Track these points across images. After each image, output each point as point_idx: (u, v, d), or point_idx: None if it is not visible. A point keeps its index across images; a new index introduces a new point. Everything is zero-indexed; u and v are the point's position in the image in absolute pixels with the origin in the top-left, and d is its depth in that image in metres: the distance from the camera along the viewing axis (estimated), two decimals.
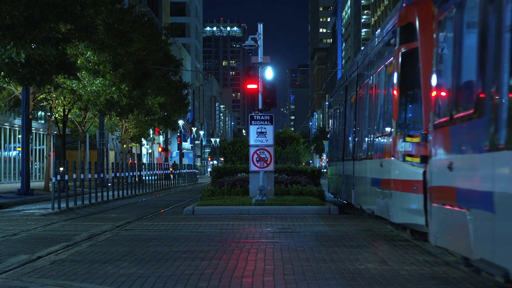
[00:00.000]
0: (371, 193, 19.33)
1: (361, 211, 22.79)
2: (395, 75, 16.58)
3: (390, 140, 16.74)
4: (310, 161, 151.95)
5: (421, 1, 15.85)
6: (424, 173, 14.04)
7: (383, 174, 17.41)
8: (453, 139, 10.60)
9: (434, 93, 11.77)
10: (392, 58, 17.00)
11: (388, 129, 17.10)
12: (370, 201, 19.55)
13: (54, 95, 42.73)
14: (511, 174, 7.89)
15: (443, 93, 11.37)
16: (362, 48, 25.61)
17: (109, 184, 37.72)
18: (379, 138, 18.30)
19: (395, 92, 16.54)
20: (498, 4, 8.58)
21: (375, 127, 19.11)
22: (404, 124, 16.14)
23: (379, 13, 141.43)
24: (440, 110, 11.33)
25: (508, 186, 7.88)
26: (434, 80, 11.88)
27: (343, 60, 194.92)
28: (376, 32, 20.45)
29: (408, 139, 15.10)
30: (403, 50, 16.36)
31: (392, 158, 16.41)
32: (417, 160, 14.56)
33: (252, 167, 26.67)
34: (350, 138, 24.82)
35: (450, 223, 10.42)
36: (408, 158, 14.90)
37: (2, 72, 31.86)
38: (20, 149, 46.27)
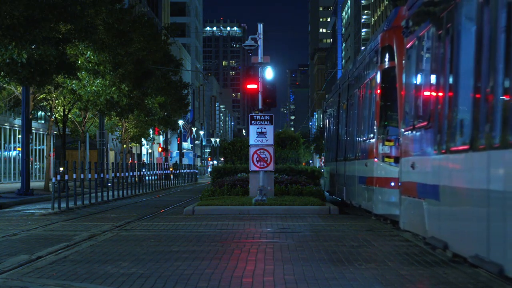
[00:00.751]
0: (359, 189, 22.28)
1: (351, 206, 25.35)
2: (377, 88, 19.66)
3: (373, 144, 19.67)
4: (310, 161, 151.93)
5: (398, 27, 17.65)
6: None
7: (368, 173, 20.37)
8: (415, 144, 13.77)
9: (403, 106, 14.97)
10: (374, 73, 20.10)
11: (371, 135, 20.14)
12: (358, 196, 22.45)
13: (54, 95, 42.72)
14: (450, 171, 11.14)
15: (408, 106, 14.43)
16: (355, 59, 29.34)
17: (109, 184, 37.71)
18: (365, 142, 21.17)
19: (377, 103, 19.60)
20: (443, 43, 11.79)
21: (362, 132, 21.93)
22: (384, 131, 19.14)
23: (379, 13, 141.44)
24: (407, 120, 14.51)
25: (448, 180, 11.17)
26: (402, 96, 15.08)
27: (343, 60, 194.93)
28: (364, 48, 24.04)
29: (386, 143, 18.52)
30: (383, 68, 19.39)
31: (375, 159, 19.36)
32: (392, 160, 18.10)
33: (252, 167, 26.67)
34: (342, 141, 27.77)
35: (413, 210, 13.85)
36: (386, 159, 18.41)
37: (2, 72, 31.85)
38: (20, 149, 46.27)
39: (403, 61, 15.23)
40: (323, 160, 44.74)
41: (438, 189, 11.78)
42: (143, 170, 49.12)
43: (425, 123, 12.72)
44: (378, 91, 19.61)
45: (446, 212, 11.37)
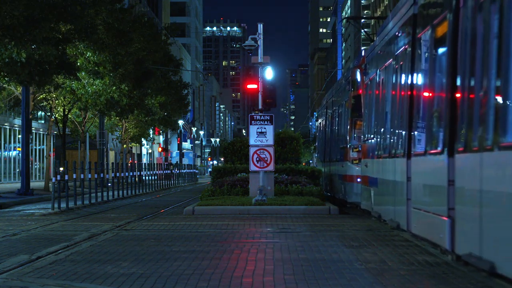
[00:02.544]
0: (338, 185, 28.94)
1: (333, 198, 30.56)
2: (349, 109, 26.36)
3: (346, 150, 26.47)
4: (310, 161, 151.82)
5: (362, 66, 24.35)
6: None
7: (343, 172, 27.21)
8: (367, 152, 20.86)
9: (363, 124, 22.69)
10: (347, 98, 26.94)
11: (345, 144, 26.90)
12: (338, 190, 29.00)
13: (54, 95, 42.72)
14: (382, 169, 18.14)
15: (365, 125, 21.81)
16: (337, 81, 37.63)
17: (109, 184, 37.71)
18: (341, 149, 27.84)
19: (348, 120, 26.33)
20: (380, 88, 18.81)
21: (339, 141, 28.78)
22: (353, 141, 25.86)
23: (379, 13, 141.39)
24: (364, 134, 21.93)
25: (382, 175, 18.12)
26: (363, 117, 22.79)
27: (343, 60, 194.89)
28: (340, 78, 32.23)
29: (354, 150, 25.49)
30: (352, 95, 26.16)
31: (348, 162, 26.06)
32: (357, 162, 24.94)
33: (252, 167, 26.67)
34: (327, 147, 34.25)
35: (366, 195, 21.21)
36: (354, 161, 25.37)
37: (2, 72, 31.85)
38: (20, 149, 46.26)
39: (363, 93, 22.54)
40: (315, 161, 49.15)
41: (377, 181, 18.99)
42: (142, 171, 49.10)
43: (371, 138, 20.15)
44: (349, 111, 26.30)
45: (380, 194, 18.79)
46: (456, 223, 11.18)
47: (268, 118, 26.98)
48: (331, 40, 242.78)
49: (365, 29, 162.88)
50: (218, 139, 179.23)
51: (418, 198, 14.05)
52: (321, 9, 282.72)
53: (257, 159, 26.64)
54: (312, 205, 24.71)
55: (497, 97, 9.00)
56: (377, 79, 19.23)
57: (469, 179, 10.36)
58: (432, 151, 12.68)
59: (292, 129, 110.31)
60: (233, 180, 28.92)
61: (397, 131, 16.23)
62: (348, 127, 26.10)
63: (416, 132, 14.28)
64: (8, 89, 42.15)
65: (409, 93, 14.99)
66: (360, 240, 16.05)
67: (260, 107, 27.05)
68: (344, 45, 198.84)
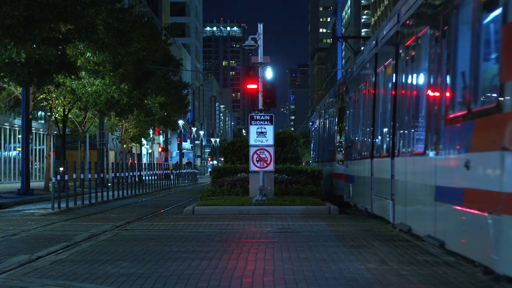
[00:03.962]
0: (329, 181, 32.98)
1: (325, 192, 32.30)
2: (337, 118, 31.09)
3: (334, 152, 31.19)
4: (310, 161, 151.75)
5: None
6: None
7: (332, 171, 31.58)
8: (348, 154, 25.10)
9: (345, 132, 27.25)
10: (334, 109, 31.90)
11: (333, 147, 31.69)
12: (328, 186, 32.79)
13: (54, 95, 42.71)
14: (356, 168, 22.70)
15: (346, 133, 26.51)
16: (327, 93, 42.21)
17: (109, 184, 37.71)
18: (331, 151, 32.64)
19: (336, 127, 31.11)
20: (355, 107, 23.93)
21: (329, 144, 33.70)
22: (339, 144, 30.17)
23: (379, 13, 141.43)
24: (346, 141, 26.46)
25: (356, 172, 22.63)
26: (345, 126, 27.35)
27: (343, 60, 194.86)
28: (330, 91, 35.93)
29: (339, 152, 29.71)
30: (339, 107, 30.78)
31: (335, 162, 30.52)
32: (341, 162, 28.56)
33: (252, 167, 26.67)
34: (320, 149, 39.48)
35: (347, 190, 25.40)
36: (340, 162, 29.36)
37: (2, 73, 31.84)
38: (20, 149, 46.25)
39: (345, 107, 27.32)
40: (311, 161, 52.00)
41: (354, 178, 23.42)
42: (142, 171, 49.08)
43: (350, 145, 24.93)
44: (337, 120, 31.05)
45: (356, 188, 23.18)
46: (395, 204, 15.98)
47: (268, 118, 26.98)
48: (331, 40, 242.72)
49: (365, 29, 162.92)
50: (218, 139, 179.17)
51: (377, 188, 18.75)
52: (321, 9, 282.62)
53: (257, 159, 26.63)
54: (312, 205, 24.71)
55: (403, 125, 15.22)
56: (354, 98, 24.28)
57: (400, 174, 15.33)
58: (384, 155, 17.46)
59: (292, 129, 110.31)
60: (233, 180, 28.91)
61: (365, 139, 21.19)
62: (336, 133, 31.06)
63: (376, 141, 19.20)
64: (8, 89, 42.13)
65: (372, 113, 19.77)
66: (360, 240, 16.05)
67: (260, 107, 27.05)
68: (344, 45, 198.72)
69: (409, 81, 14.67)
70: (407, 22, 15.06)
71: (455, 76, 10.97)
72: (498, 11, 8.89)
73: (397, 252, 13.86)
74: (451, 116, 10.96)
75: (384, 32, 18.34)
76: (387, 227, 18.53)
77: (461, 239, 10.35)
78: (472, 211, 9.67)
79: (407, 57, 14.97)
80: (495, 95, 8.89)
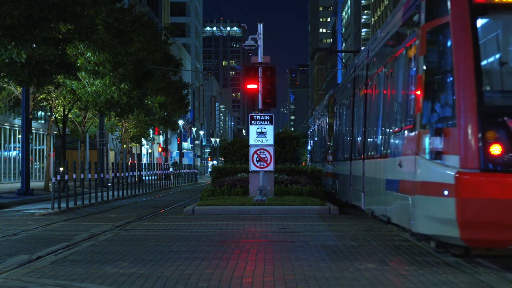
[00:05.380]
0: (321, 179, 34.99)
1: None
2: (327, 125, 33.82)
3: (326, 155, 33.53)
4: (305, 161, 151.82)
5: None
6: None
7: (324, 170, 33.61)
8: (335, 156, 29.83)
9: (334, 137, 31.28)
10: (326, 117, 34.81)
11: (325, 149, 34.71)
12: (323, 183, 33.83)
13: (54, 95, 42.70)
14: (341, 168, 27.50)
15: (334, 139, 31.05)
16: (319, 102, 47.42)
17: (109, 184, 37.70)
18: (323, 152, 36.26)
19: (328, 131, 33.55)
20: (340, 119, 29.51)
21: (322, 147, 37.24)
22: (330, 148, 32.46)
23: (379, 13, 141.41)
24: (334, 144, 30.72)
25: (341, 171, 27.41)
26: (333, 133, 31.64)
27: (343, 60, 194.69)
28: (323, 101, 39.56)
29: (329, 154, 31.77)
30: (328, 115, 33.43)
31: (326, 163, 32.72)
32: (331, 163, 31.26)
33: (252, 167, 26.67)
34: (314, 151, 44.17)
35: (334, 185, 30.08)
36: (329, 162, 31.53)
37: (2, 73, 31.82)
38: (20, 149, 46.22)
39: (333, 117, 31.98)
40: (308, 161, 54.68)
41: (339, 176, 27.89)
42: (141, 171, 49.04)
43: (336, 148, 29.26)
44: (327, 127, 33.76)
45: (340, 184, 27.41)
46: (365, 194, 20.45)
47: (268, 118, 26.98)
48: (331, 40, 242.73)
49: (365, 29, 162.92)
50: (218, 139, 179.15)
51: (354, 183, 23.24)
52: (321, 9, 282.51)
53: (257, 159, 26.63)
54: (312, 205, 24.70)
55: (362, 139, 21.45)
56: (339, 110, 28.88)
57: (367, 172, 19.97)
58: (358, 158, 22.12)
59: (292, 129, 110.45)
60: (233, 180, 28.91)
61: (347, 145, 25.49)
62: (326, 138, 34.22)
63: (353, 147, 23.60)
64: (8, 89, 42.12)
65: (351, 125, 24.25)
66: (360, 240, 16.05)
67: (260, 107, 27.04)
68: (344, 45, 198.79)
69: (373, 102, 19.59)
70: (373, 59, 20.02)
71: (397, 102, 15.60)
72: (415, 65, 13.57)
73: (397, 252, 13.86)
74: (394, 130, 15.75)
75: (359, 62, 23.33)
76: (387, 227, 18.55)
77: (397, 214, 15.22)
78: (402, 194, 14.41)
79: (373, 85, 19.82)
80: (411, 119, 13.67)
